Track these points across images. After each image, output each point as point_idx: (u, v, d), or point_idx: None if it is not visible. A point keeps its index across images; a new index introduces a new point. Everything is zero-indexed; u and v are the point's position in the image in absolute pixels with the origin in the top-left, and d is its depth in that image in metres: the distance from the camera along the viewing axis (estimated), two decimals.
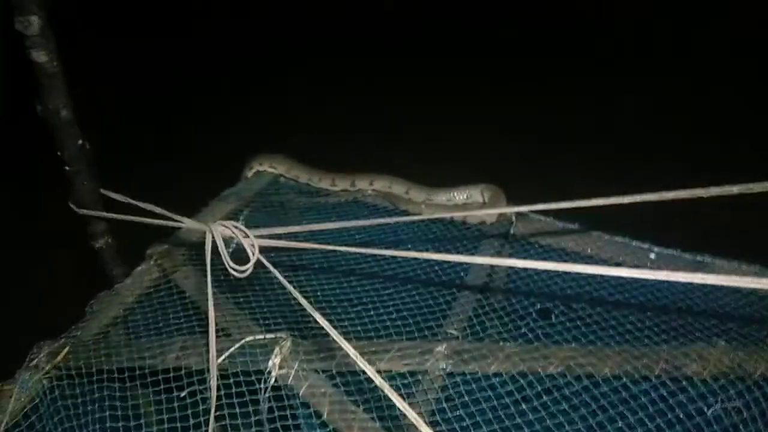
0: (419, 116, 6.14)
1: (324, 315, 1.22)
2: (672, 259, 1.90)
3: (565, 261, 1.86)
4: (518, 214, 2.07)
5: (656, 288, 1.77)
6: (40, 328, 1.67)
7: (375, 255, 1.88)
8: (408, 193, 2.23)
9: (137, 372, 1.53)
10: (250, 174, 2.37)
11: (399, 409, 1.33)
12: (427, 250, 1.90)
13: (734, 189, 1.38)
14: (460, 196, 2.16)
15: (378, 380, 1.15)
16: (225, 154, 2.57)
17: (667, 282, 1.80)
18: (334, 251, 1.94)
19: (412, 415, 1.08)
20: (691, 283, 1.81)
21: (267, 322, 1.67)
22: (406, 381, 1.50)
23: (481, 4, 8.71)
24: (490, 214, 2.00)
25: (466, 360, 1.51)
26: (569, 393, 1.45)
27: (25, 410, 1.50)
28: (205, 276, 1.68)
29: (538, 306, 1.70)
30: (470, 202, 2.21)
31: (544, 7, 8.40)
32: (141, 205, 1.56)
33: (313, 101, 6.52)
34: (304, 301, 1.29)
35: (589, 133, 5.64)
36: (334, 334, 1.23)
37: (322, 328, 1.41)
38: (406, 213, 2.20)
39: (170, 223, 1.53)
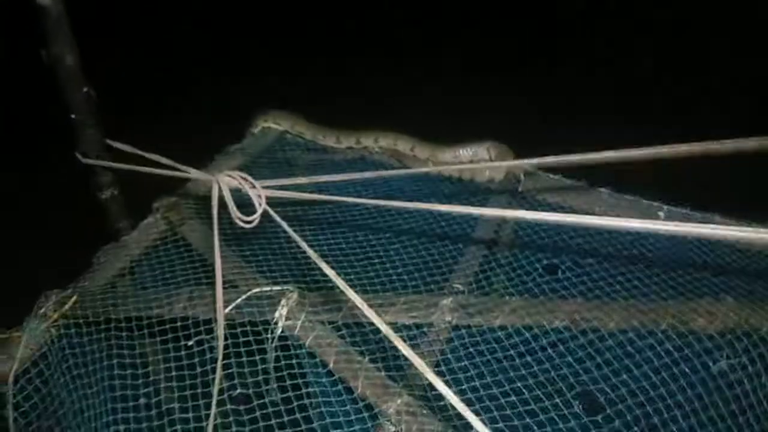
0: (429, 74, 6.05)
1: (330, 268, 1.22)
2: (682, 218, 1.89)
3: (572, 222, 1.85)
4: (527, 173, 2.05)
5: (665, 245, 1.76)
6: (47, 278, 1.67)
7: (381, 209, 1.88)
8: (413, 149, 2.20)
9: (144, 321, 1.54)
10: (256, 130, 2.35)
11: (405, 359, 1.34)
12: None
13: (749, 143, 1.36)
14: (466, 153, 2.13)
15: (384, 328, 1.15)
16: (232, 110, 2.53)
17: (676, 239, 1.80)
18: (340, 205, 1.95)
19: (418, 362, 1.08)
20: (700, 241, 1.81)
21: (273, 274, 1.68)
22: (411, 333, 1.50)
23: None
24: (498, 170, 1.98)
25: (472, 313, 1.51)
26: (574, 347, 1.45)
27: (34, 358, 1.52)
28: (212, 229, 1.68)
29: (545, 262, 1.70)
30: (476, 160, 2.18)
31: None
32: (147, 155, 1.55)
33: (325, 56, 6.41)
34: (311, 252, 1.28)
35: (601, 90, 5.54)
36: (340, 284, 1.23)
37: (329, 280, 1.41)
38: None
39: (177, 174, 1.53)
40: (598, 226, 1.77)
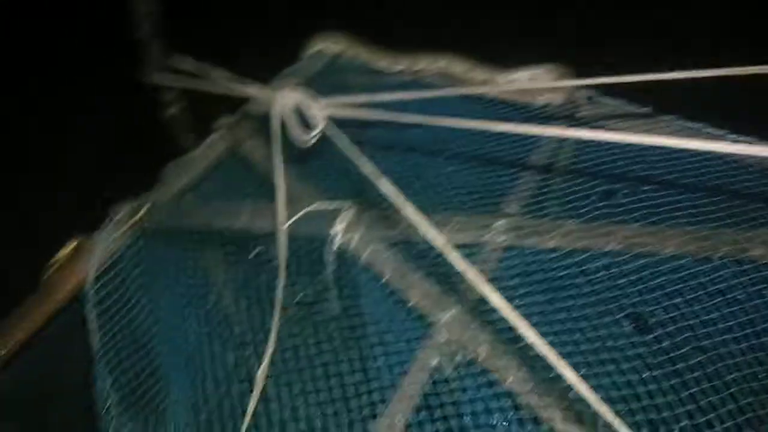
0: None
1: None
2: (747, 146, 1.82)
3: (631, 148, 1.82)
4: (588, 98, 2.00)
5: (726, 173, 1.71)
6: (121, 189, 1.76)
7: (438, 130, 1.88)
8: (470, 72, 2.17)
9: (211, 232, 1.62)
10: (310, 53, 2.35)
11: (457, 275, 1.38)
12: None
13: None
14: (523, 75, 2.08)
15: (439, 241, 1.19)
16: (293, 30, 2.52)
17: (738, 169, 1.75)
18: (398, 126, 1.95)
19: (471, 274, 1.12)
20: (762, 172, 1.75)
21: (332, 192, 1.72)
22: (465, 252, 1.54)
23: None
24: (557, 92, 1.94)
25: (526, 234, 1.53)
26: (628, 270, 1.46)
27: (112, 260, 1.63)
28: (273, 146, 1.73)
29: (603, 187, 1.68)
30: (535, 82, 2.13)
31: None
32: (210, 72, 1.59)
33: None
34: (369, 169, 1.31)
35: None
36: (397, 200, 1.27)
37: (384, 200, 1.45)
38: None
39: (239, 91, 1.56)
40: (658, 144, 1.74)
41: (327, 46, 2.43)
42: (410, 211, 1.28)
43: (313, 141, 1.40)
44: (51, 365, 1.74)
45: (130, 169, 1.83)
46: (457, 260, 1.18)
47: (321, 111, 1.41)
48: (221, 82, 1.53)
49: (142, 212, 1.69)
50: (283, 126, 1.44)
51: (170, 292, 1.64)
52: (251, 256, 1.58)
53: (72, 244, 1.68)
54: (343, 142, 1.37)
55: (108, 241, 1.64)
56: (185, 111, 1.85)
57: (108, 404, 1.52)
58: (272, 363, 1.34)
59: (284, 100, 1.42)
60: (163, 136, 1.92)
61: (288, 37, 2.52)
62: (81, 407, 1.76)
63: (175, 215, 1.69)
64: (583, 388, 0.97)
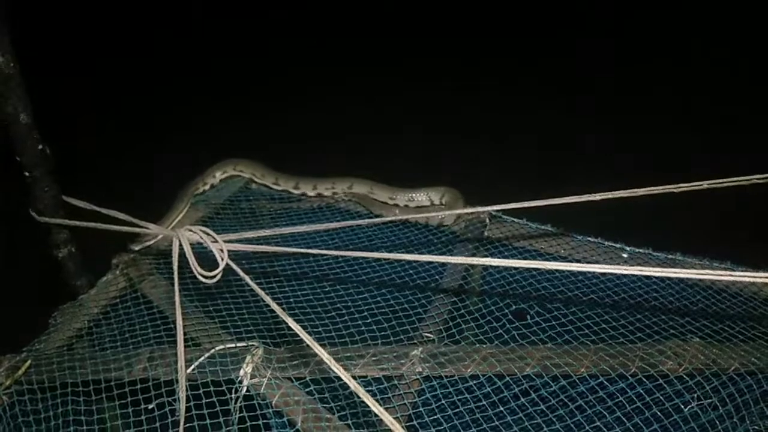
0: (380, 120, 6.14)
1: (297, 321, 1.19)
2: (645, 258, 1.92)
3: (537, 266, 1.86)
4: (492, 217, 2.07)
5: (630, 287, 1.78)
6: (1, 341, 1.59)
7: (348, 259, 1.86)
8: (372, 191, 2.23)
9: (103, 384, 1.47)
10: (218, 179, 2.33)
11: (375, 414, 1.30)
12: None
13: (704, 184, 1.39)
14: (421, 196, 2.19)
15: (353, 384, 1.12)
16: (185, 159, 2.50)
17: (641, 281, 1.82)
18: (306, 257, 1.92)
19: (388, 419, 1.05)
20: (664, 281, 1.83)
21: (238, 330, 1.63)
22: (381, 386, 1.47)
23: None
24: (450, 216, 2.02)
25: (443, 363, 1.48)
26: (546, 393, 1.43)
27: None
28: (173, 285, 1.63)
29: (514, 307, 1.69)
30: (431, 203, 2.23)
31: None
32: (105, 211, 1.51)
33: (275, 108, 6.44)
34: (275, 306, 1.25)
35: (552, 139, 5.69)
36: (306, 338, 1.20)
37: (295, 335, 1.37)
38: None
39: (136, 230, 1.48)
40: (564, 272, 1.78)
41: (233, 170, 2.42)
42: (320, 350, 1.22)
43: (216, 279, 1.33)
44: None
45: (17, 315, 1.66)
46: (371, 402, 1.11)
47: (223, 247, 1.35)
48: (118, 220, 1.45)
49: (25, 366, 1.52)
50: (185, 262, 1.36)
51: None
52: (150, 407, 1.43)
53: None
54: (246, 278, 1.31)
55: None
56: (78, 251, 1.73)
57: None
58: None
59: (183, 239, 1.36)
60: (53, 279, 1.77)
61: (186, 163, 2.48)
62: None
63: (64, 366, 1.52)
64: None
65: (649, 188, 1.33)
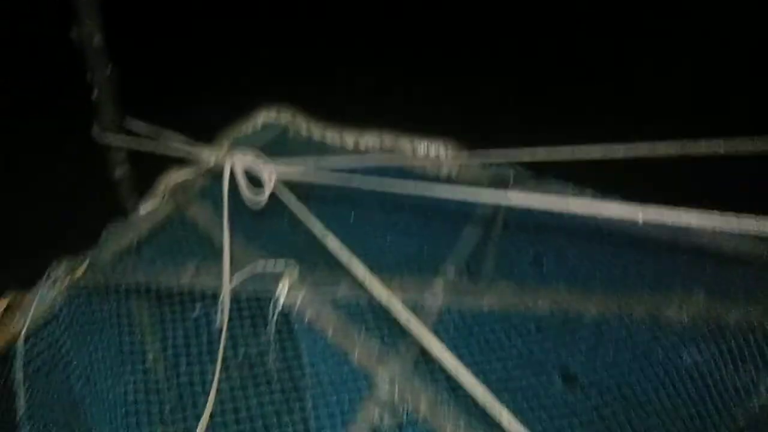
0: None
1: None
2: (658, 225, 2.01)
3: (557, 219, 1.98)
4: (516, 175, 2.17)
5: (643, 244, 1.88)
6: (60, 247, 1.74)
7: (384, 196, 1.99)
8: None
9: (152, 291, 1.62)
10: (259, 124, 2.44)
11: (398, 332, 1.45)
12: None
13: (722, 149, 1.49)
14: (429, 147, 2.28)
15: (384, 294, 1.25)
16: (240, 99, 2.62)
17: (654, 241, 1.92)
18: (343, 191, 2.04)
19: (415, 326, 1.18)
20: (676, 242, 1.93)
21: (276, 252, 1.76)
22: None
23: None
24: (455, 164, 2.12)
25: (462, 294, 1.62)
26: (555, 328, 1.56)
27: (45, 320, 1.58)
28: (218, 209, 1.78)
29: (531, 253, 1.81)
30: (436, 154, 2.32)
31: None
32: (163, 135, 1.65)
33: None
34: (316, 227, 1.39)
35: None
36: (344, 257, 1.33)
37: (327, 260, 1.52)
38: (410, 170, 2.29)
39: (191, 153, 1.62)
40: (581, 222, 1.90)
41: (274, 117, 2.53)
42: (356, 266, 1.34)
43: (264, 201, 1.46)
44: None
45: (73, 227, 1.81)
46: (400, 311, 1.24)
47: (271, 173, 1.48)
48: (174, 144, 1.59)
49: (80, 270, 1.67)
50: (234, 186, 1.50)
51: (106, 352, 1.60)
52: (194, 315, 1.58)
53: (4, 301, 1.63)
54: (292, 202, 1.44)
55: (42, 298, 1.60)
56: (134, 172, 1.87)
57: None
58: (212, 420, 1.33)
59: (236, 162, 1.50)
60: (109, 196, 1.92)
61: (233, 106, 2.60)
62: None
63: (115, 274, 1.67)
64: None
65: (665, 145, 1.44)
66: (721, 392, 1.55)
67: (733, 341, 1.58)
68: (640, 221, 2.08)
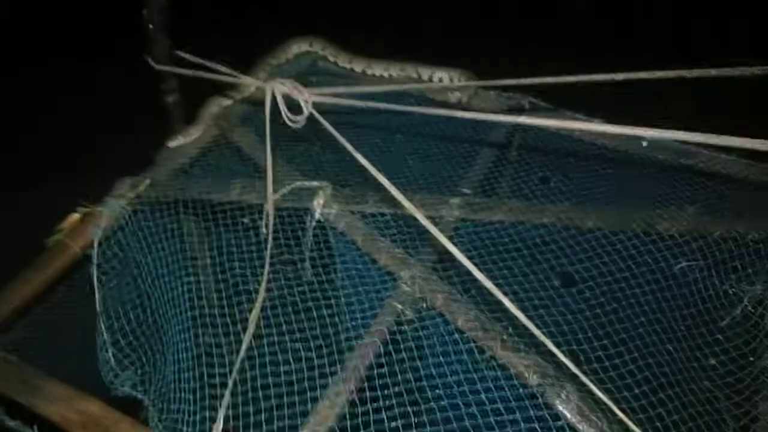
0: None
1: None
2: (661, 147, 2.17)
3: (566, 145, 2.16)
4: (530, 103, 2.33)
5: (645, 168, 2.06)
6: (122, 166, 1.98)
7: (405, 122, 2.18)
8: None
9: (206, 203, 1.86)
10: (291, 54, 2.61)
11: (418, 240, 1.67)
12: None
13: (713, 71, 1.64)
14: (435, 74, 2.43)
15: (408, 203, 1.45)
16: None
17: (657, 166, 2.09)
18: (374, 117, 2.24)
19: (434, 230, 1.39)
20: (675, 167, 2.09)
21: (312, 173, 1.97)
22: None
23: None
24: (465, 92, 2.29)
25: (475, 210, 1.83)
26: (558, 238, 1.77)
27: (114, 228, 1.84)
28: (258, 134, 1.99)
29: (540, 174, 2.00)
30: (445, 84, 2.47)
31: None
32: (209, 64, 1.83)
33: None
34: (349, 146, 1.58)
35: None
36: (375, 173, 1.53)
37: (357, 178, 1.72)
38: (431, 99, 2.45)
39: (235, 80, 1.81)
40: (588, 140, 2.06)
41: (306, 47, 2.69)
42: (383, 180, 1.55)
43: (302, 124, 1.65)
44: (53, 327, 1.93)
45: (132, 149, 2.04)
46: (422, 218, 1.44)
47: (308, 99, 1.67)
48: (220, 72, 1.77)
49: (142, 186, 1.91)
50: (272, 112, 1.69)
51: (167, 257, 1.85)
52: (243, 223, 1.81)
53: (77, 214, 1.88)
54: (325, 127, 1.63)
55: (111, 210, 1.85)
56: (181, 100, 2.08)
57: (107, 357, 1.72)
58: (264, 308, 1.58)
59: (276, 89, 1.68)
60: (161, 121, 2.14)
61: (263, 38, 2.75)
62: (83, 366, 1.96)
63: (171, 190, 1.91)
64: (522, 318, 1.25)
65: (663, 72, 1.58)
66: (705, 299, 1.75)
67: (718, 253, 1.77)
68: (645, 143, 2.24)
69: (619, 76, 1.65)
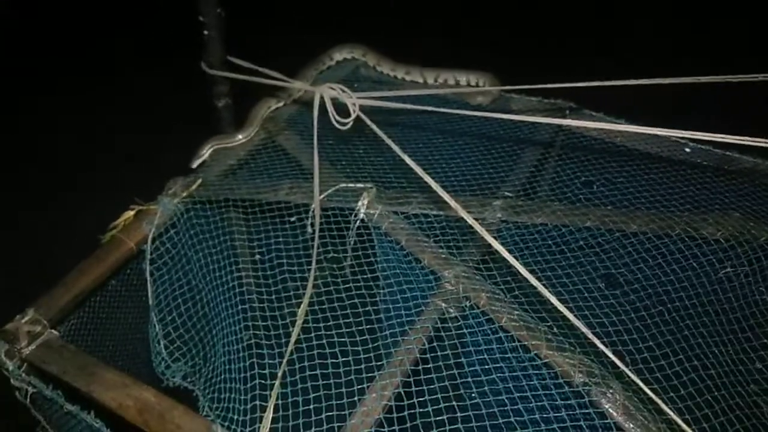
0: None
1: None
2: (704, 154, 2.17)
3: (609, 150, 2.17)
4: (571, 108, 2.35)
5: (688, 170, 2.06)
6: (173, 167, 2.06)
7: (448, 125, 2.22)
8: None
9: (255, 203, 1.92)
10: (335, 60, 2.67)
11: (461, 242, 1.70)
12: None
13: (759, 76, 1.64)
14: (462, 78, 2.48)
15: (453, 203, 1.49)
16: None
17: (699, 168, 2.09)
18: (416, 121, 2.29)
19: (479, 228, 1.42)
20: (719, 170, 2.08)
21: (357, 175, 2.02)
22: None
23: None
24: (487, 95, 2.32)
25: (518, 212, 1.85)
26: (601, 241, 1.78)
27: (167, 225, 1.91)
28: (302, 137, 2.04)
29: (583, 178, 2.02)
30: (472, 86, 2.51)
31: None
32: (261, 69, 1.90)
33: None
34: (396, 147, 1.63)
35: None
36: (422, 173, 1.57)
37: (401, 182, 1.76)
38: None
39: (286, 85, 1.88)
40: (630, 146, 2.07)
41: (348, 54, 2.76)
42: (430, 181, 1.58)
43: (349, 126, 1.71)
44: (107, 321, 2.01)
45: (186, 150, 2.12)
46: (468, 218, 1.47)
47: (354, 102, 1.72)
48: (271, 77, 1.84)
49: (194, 185, 1.99)
50: (322, 115, 1.74)
51: (217, 253, 1.92)
52: (290, 222, 1.87)
53: (132, 211, 1.96)
54: (374, 127, 1.68)
55: (165, 208, 1.92)
56: (232, 104, 2.16)
57: (159, 348, 1.79)
58: (310, 303, 1.62)
59: (325, 93, 1.74)
60: (213, 124, 2.23)
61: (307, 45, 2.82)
62: (136, 359, 2.04)
63: (222, 190, 1.98)
64: (570, 316, 1.27)
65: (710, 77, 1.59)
66: (751, 304, 1.74)
67: (763, 259, 1.76)
68: (688, 149, 2.24)
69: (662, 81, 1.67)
